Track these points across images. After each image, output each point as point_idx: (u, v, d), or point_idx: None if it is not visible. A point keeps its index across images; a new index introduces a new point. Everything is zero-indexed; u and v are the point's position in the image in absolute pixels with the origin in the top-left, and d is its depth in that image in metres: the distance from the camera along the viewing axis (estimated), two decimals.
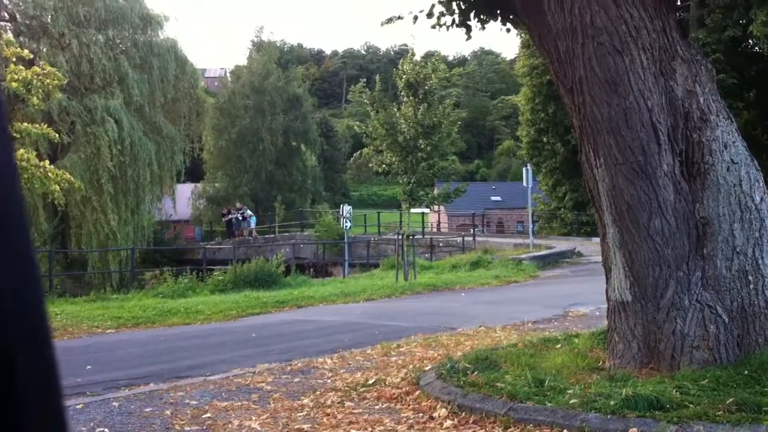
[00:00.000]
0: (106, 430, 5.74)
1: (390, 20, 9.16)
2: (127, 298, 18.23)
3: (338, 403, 6.13)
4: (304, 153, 59.43)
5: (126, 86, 34.25)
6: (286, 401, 6.31)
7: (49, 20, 33.12)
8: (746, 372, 5.23)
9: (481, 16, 7.75)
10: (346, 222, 26.35)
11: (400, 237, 20.34)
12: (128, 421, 5.99)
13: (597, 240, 6.67)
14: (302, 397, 6.43)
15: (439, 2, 7.84)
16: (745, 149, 5.97)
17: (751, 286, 5.68)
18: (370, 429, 5.37)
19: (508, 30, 8.05)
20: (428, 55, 21.84)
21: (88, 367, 8.76)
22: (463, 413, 5.39)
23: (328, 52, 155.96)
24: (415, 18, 8.21)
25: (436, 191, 22.72)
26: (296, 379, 7.27)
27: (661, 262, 5.73)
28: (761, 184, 5.94)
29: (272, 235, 40.98)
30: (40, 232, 32.71)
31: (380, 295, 16.93)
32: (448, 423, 5.31)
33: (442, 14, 7.87)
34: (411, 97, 19.94)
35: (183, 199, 47.24)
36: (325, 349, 9.25)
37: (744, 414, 4.50)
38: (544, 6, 6.12)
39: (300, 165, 58.11)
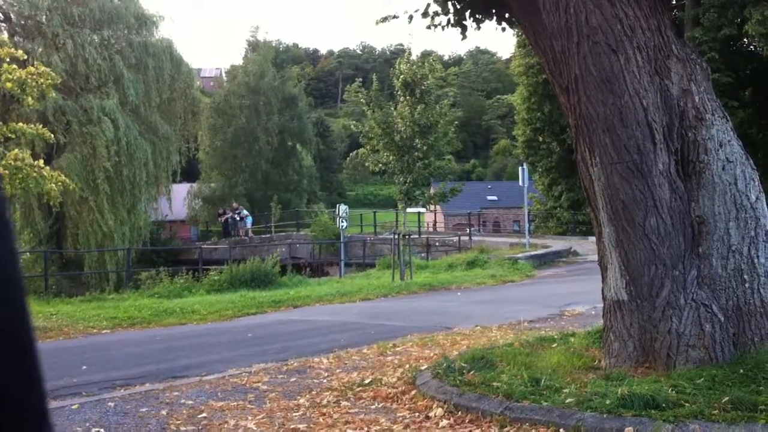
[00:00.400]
0: (102, 430, 5.72)
1: (385, 19, 9.16)
2: (123, 298, 18.20)
3: (334, 402, 6.13)
4: (300, 153, 59.44)
5: (121, 86, 34.19)
6: (282, 401, 6.31)
7: (43, 20, 33.07)
8: (742, 371, 5.23)
9: (477, 16, 7.76)
10: (342, 222, 26.34)
11: (396, 236, 20.34)
12: (124, 421, 5.98)
13: (593, 239, 6.67)
14: (298, 397, 6.42)
15: (435, 1, 7.83)
16: (740, 148, 5.98)
17: (747, 285, 5.68)
18: (366, 429, 5.36)
19: (504, 29, 8.05)
20: (425, 55, 21.84)
21: (84, 367, 8.74)
22: (459, 413, 5.39)
23: (323, 51, 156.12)
24: (411, 17, 8.21)
25: (432, 191, 22.74)
26: (292, 379, 7.26)
27: (657, 261, 5.73)
28: (756, 182, 5.94)
29: (268, 235, 40.96)
30: (36, 232, 32.69)
31: (376, 294, 16.93)
32: (444, 422, 5.31)
33: (437, 13, 7.87)
34: (408, 97, 19.95)
35: (179, 199, 47.17)
36: (321, 349, 9.25)
37: (739, 413, 4.50)
38: (539, 5, 6.12)
39: (296, 165, 58.10)
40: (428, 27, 7.99)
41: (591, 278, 11.94)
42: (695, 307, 5.61)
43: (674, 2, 7.10)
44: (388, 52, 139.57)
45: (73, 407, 6.45)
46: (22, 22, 34.27)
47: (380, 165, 20.80)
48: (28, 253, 26.69)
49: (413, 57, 20.60)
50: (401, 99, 20.24)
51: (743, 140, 6.31)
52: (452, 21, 7.88)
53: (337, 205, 27.59)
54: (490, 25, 7.87)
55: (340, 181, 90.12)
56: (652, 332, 5.75)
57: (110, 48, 35.30)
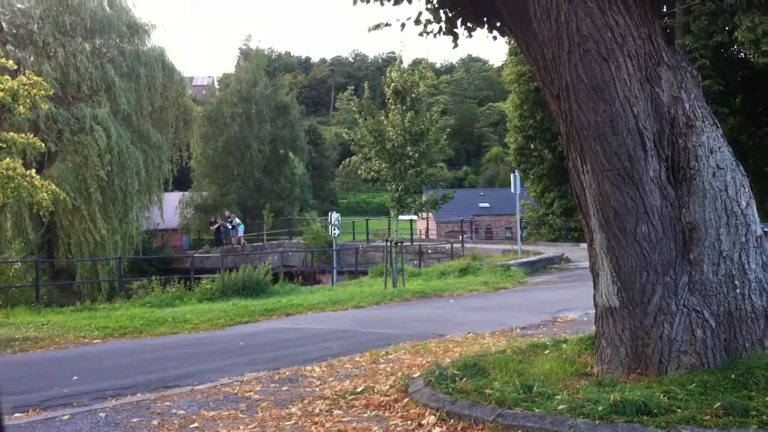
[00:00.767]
0: None
1: (377, 26, 9.16)
2: (115, 308, 18.14)
3: (326, 411, 6.11)
4: (292, 161, 59.43)
5: (113, 95, 34.17)
6: (274, 410, 6.29)
7: (35, 29, 33.04)
8: (733, 376, 5.24)
9: (468, 24, 7.77)
10: (334, 229, 26.35)
11: (388, 244, 20.33)
12: (115, 431, 5.95)
13: (585, 245, 6.68)
14: (290, 406, 6.40)
15: (427, 9, 7.85)
16: (730, 155, 6.00)
17: (738, 291, 5.70)
18: None
19: (495, 38, 8.07)
20: (416, 63, 21.88)
21: (75, 377, 8.70)
22: (452, 420, 5.37)
23: (315, 59, 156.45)
24: (403, 25, 8.22)
25: (424, 198, 22.75)
26: (284, 388, 7.24)
27: (648, 267, 5.74)
28: (747, 189, 5.96)
29: (260, 243, 40.94)
30: (27, 241, 32.56)
31: (369, 302, 16.91)
32: (437, 430, 5.30)
33: (429, 21, 7.89)
34: (398, 105, 19.99)
35: (170, 208, 47.14)
36: (313, 357, 9.23)
37: (731, 418, 4.50)
38: (530, 14, 6.14)
39: (288, 173, 58.09)
40: (420, 34, 8.01)
41: (583, 285, 11.97)
42: (687, 313, 5.62)
43: (665, 10, 7.12)
44: (380, 60, 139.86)
45: (63, 418, 6.42)
46: (14, 31, 34.23)
47: (372, 173, 20.82)
48: (19, 263, 26.55)
49: (404, 65, 20.64)
50: (392, 107, 20.27)
51: (734, 147, 6.33)
52: (444, 29, 7.89)
53: (330, 213, 27.61)
54: (481, 33, 7.89)
55: (332, 189, 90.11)
56: (643, 338, 5.75)
57: (102, 56, 35.30)
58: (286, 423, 5.83)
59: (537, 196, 41.40)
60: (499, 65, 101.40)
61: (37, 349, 11.93)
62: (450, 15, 7.76)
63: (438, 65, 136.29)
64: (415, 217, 32.02)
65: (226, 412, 6.27)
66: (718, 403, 4.68)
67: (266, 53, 72.76)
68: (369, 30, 9.33)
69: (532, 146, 39.41)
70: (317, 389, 7.07)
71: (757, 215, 5.98)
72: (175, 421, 6.08)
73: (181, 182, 51.17)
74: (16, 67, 16.60)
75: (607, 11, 5.77)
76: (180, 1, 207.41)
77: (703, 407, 4.69)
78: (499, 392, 5.48)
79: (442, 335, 10.68)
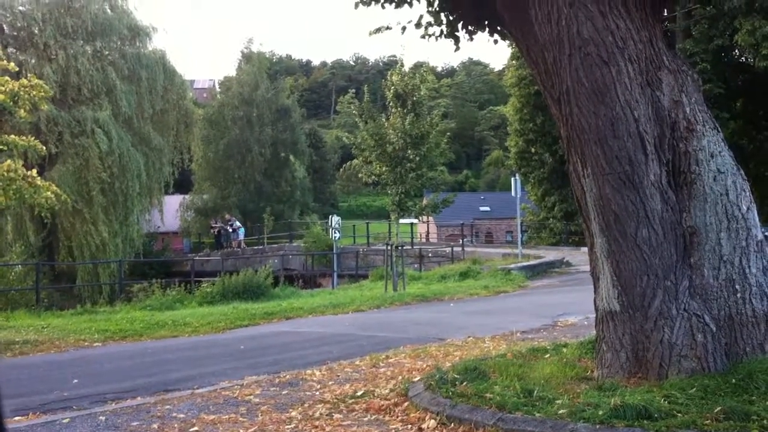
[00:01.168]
0: None
1: (378, 30, 9.14)
2: (115, 311, 18.13)
3: (327, 415, 6.10)
4: (292, 164, 59.40)
5: (114, 97, 34.20)
6: (274, 414, 6.28)
7: (36, 31, 33.06)
8: (734, 380, 5.23)
9: (469, 27, 7.77)
10: (335, 233, 26.34)
11: (389, 248, 20.32)
12: None
13: (586, 249, 6.68)
14: (290, 410, 6.39)
15: (428, 12, 7.85)
16: (731, 159, 5.99)
17: (738, 295, 5.69)
18: None
19: (496, 41, 8.07)
20: (417, 66, 21.87)
21: (75, 380, 8.69)
22: (452, 424, 5.37)
23: (316, 62, 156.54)
24: (404, 28, 8.21)
25: (424, 201, 22.73)
26: (284, 392, 7.23)
27: (649, 271, 5.74)
28: (748, 193, 5.96)
29: (261, 247, 40.92)
30: (28, 244, 32.58)
31: (369, 306, 16.90)
32: None
33: (429, 24, 7.89)
34: (399, 108, 19.98)
35: (171, 211, 47.15)
36: (313, 361, 9.22)
37: (732, 422, 4.50)
38: (531, 17, 6.14)
39: (289, 176, 58.05)
40: (422, 37, 8.01)
41: (583, 288, 11.97)
42: (687, 318, 5.61)
43: (665, 14, 7.13)
44: (381, 64, 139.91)
45: (63, 421, 6.41)
46: (15, 34, 34.26)
47: (373, 176, 20.80)
48: (19, 266, 26.56)
49: (405, 68, 20.64)
50: (393, 110, 20.26)
51: (734, 151, 6.33)
52: (445, 32, 7.89)
53: (330, 217, 27.59)
54: (482, 36, 7.90)
55: (332, 193, 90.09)
56: (644, 342, 5.75)
57: (103, 59, 35.34)
58: (286, 427, 5.82)
59: (538, 199, 41.41)
60: (500, 69, 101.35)
61: (37, 352, 11.92)
62: (451, 18, 7.76)
63: (439, 69, 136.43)
64: (415, 221, 31.98)
65: (226, 416, 6.26)
66: (719, 408, 4.67)
67: (267, 56, 72.76)
68: (370, 33, 9.30)
69: (533, 150, 39.43)
70: (317, 393, 7.06)
71: (757, 219, 5.98)
72: (176, 425, 6.07)
73: (182, 185, 51.17)
74: (17, 69, 16.62)
75: (607, 15, 5.77)
76: (181, 4, 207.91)
77: (704, 412, 4.68)
78: (500, 396, 5.48)
79: (443, 339, 10.67)
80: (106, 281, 31.83)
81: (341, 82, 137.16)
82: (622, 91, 5.77)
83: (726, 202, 5.82)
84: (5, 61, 16.09)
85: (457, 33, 7.83)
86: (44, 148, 16.72)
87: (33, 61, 33.34)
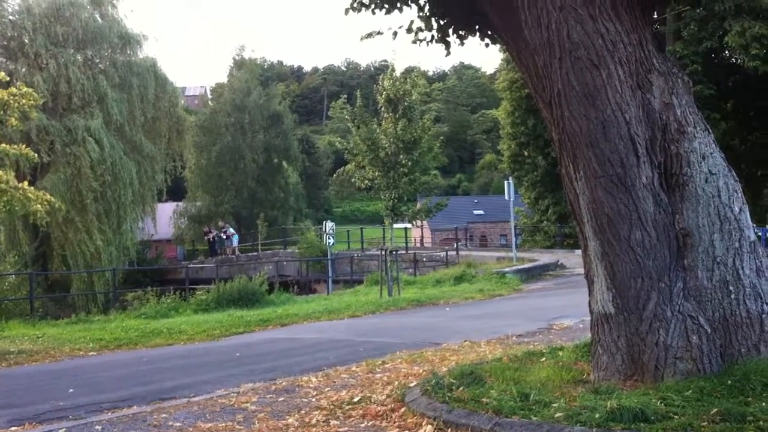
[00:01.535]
0: None
1: (370, 35, 9.17)
2: (110, 320, 18.09)
3: (323, 421, 6.10)
4: (285, 170, 59.43)
5: (105, 106, 34.15)
6: (271, 421, 6.27)
7: (26, 41, 33.01)
8: (729, 382, 5.24)
9: (460, 32, 7.78)
10: (329, 238, 26.35)
11: (383, 253, 20.34)
12: None
13: (580, 252, 6.69)
14: (287, 417, 6.38)
15: (419, 17, 7.86)
16: (723, 160, 6.02)
17: (733, 296, 5.70)
18: None
19: (487, 45, 8.09)
20: (408, 71, 21.91)
21: (71, 390, 8.67)
22: (449, 429, 5.36)
23: (308, 68, 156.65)
24: (395, 33, 8.22)
25: (418, 206, 22.77)
26: (281, 399, 7.22)
27: (643, 273, 5.75)
28: (740, 194, 5.98)
29: (255, 253, 40.88)
30: (21, 254, 32.47)
31: (364, 311, 16.90)
32: None
33: (420, 29, 7.90)
34: (391, 113, 20.02)
35: (164, 219, 47.08)
36: (309, 368, 9.21)
37: (728, 424, 4.50)
38: (521, 21, 6.16)
39: (282, 182, 58.08)
40: (413, 42, 8.02)
41: (578, 291, 11.98)
42: (682, 319, 5.63)
43: (655, 17, 7.16)
44: (372, 68, 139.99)
45: (60, 431, 6.39)
46: (5, 43, 34.21)
47: (366, 181, 20.85)
48: (13, 276, 26.47)
49: (396, 73, 20.69)
50: (385, 115, 20.30)
51: (726, 152, 6.35)
52: (436, 37, 7.90)
53: (324, 222, 27.61)
54: (473, 40, 7.91)
55: (326, 198, 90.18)
56: (639, 345, 5.75)
57: (94, 67, 35.31)
58: None
59: (531, 202, 41.44)
60: (492, 72, 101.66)
61: (32, 362, 11.89)
62: (442, 23, 7.77)
63: (430, 73, 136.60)
64: (409, 225, 32.05)
65: (223, 424, 6.25)
66: (715, 410, 4.68)
67: (258, 63, 72.76)
68: (361, 39, 9.36)
69: (526, 153, 39.47)
70: (314, 400, 7.05)
71: (750, 220, 6.00)
72: None
73: (175, 193, 51.11)
74: (8, 79, 16.57)
75: (597, 18, 5.79)
76: (171, 11, 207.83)
77: (700, 413, 4.69)
78: (496, 401, 5.47)
79: (438, 344, 10.67)
80: (100, 290, 31.76)
81: (333, 87, 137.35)
82: (613, 94, 5.79)
83: (718, 204, 5.84)
84: None
85: (448, 38, 7.84)
86: (36, 156, 16.66)
87: (23, 70, 33.28)
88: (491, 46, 8.27)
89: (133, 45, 37.29)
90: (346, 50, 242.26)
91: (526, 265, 25.13)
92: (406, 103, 19.95)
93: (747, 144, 30.95)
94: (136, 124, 36.55)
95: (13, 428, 6.75)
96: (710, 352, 5.59)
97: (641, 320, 5.74)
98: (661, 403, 4.94)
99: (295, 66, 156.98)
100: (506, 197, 27.65)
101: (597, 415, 4.81)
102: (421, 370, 8.10)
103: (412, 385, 6.91)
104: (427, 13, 7.77)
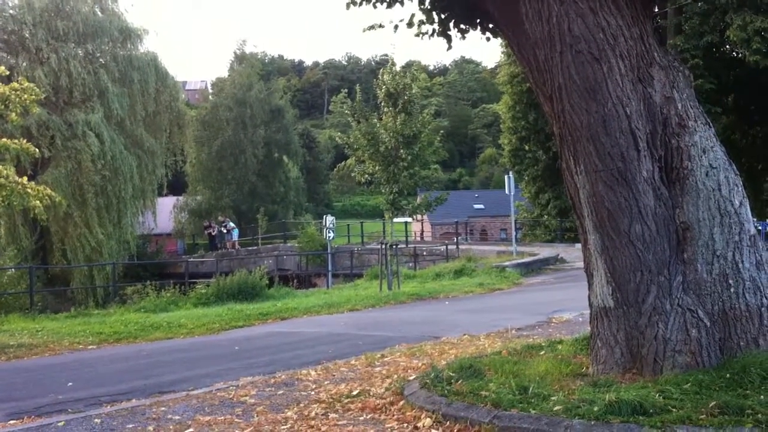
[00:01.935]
0: None
1: (372, 27, 9.19)
2: (109, 314, 18.10)
3: (322, 415, 6.10)
4: (286, 164, 59.44)
5: (106, 100, 34.13)
6: (270, 414, 6.27)
7: (27, 35, 32.97)
8: (728, 375, 5.24)
9: (461, 26, 7.78)
10: (329, 232, 26.34)
11: (383, 247, 20.34)
12: None
13: (580, 246, 6.69)
14: (286, 410, 6.39)
15: (420, 10, 7.86)
16: (723, 154, 6.01)
17: (732, 290, 5.70)
18: None
19: (488, 39, 8.07)
20: (408, 65, 21.90)
21: (70, 383, 8.67)
22: (448, 422, 5.37)
23: (309, 63, 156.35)
24: (396, 27, 8.23)
25: (418, 200, 22.75)
26: (280, 392, 7.22)
27: (643, 267, 5.75)
28: (740, 188, 5.97)
29: (255, 247, 40.91)
30: (21, 248, 32.47)
31: (364, 305, 16.90)
32: None
33: (422, 22, 7.89)
34: (391, 107, 20.00)
35: (165, 213, 47.09)
36: (309, 361, 9.22)
37: (727, 417, 4.50)
38: (521, 15, 6.14)
39: (282, 176, 58.09)
40: (416, 35, 8.03)
41: (578, 285, 11.98)
42: (681, 313, 5.63)
43: (656, 10, 7.14)
44: (373, 63, 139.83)
45: (59, 424, 6.39)
46: (5, 38, 34.17)
47: (366, 175, 20.83)
48: (13, 270, 26.48)
49: (397, 67, 20.67)
50: (385, 109, 20.28)
51: (726, 146, 6.34)
52: (437, 31, 7.90)
53: (324, 216, 27.61)
54: (474, 34, 7.90)
55: (326, 192, 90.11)
56: (638, 338, 5.76)
57: (95, 62, 35.28)
58: (282, 427, 5.81)
59: (532, 197, 41.39)
60: (492, 67, 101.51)
61: (31, 356, 11.90)
62: (443, 17, 7.76)
63: (431, 67, 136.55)
64: (409, 220, 32.01)
65: (222, 417, 6.25)
66: (714, 402, 4.68)
67: (259, 57, 72.72)
68: (364, 30, 9.38)
69: (526, 147, 39.39)
70: (313, 393, 7.05)
71: (750, 214, 6.00)
72: (171, 427, 6.06)
73: (175, 187, 51.12)
74: (8, 73, 16.54)
75: (598, 12, 5.78)
76: (172, 5, 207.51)
77: (699, 406, 4.69)
78: (495, 394, 5.48)
79: (438, 337, 10.67)
80: (100, 284, 31.78)
81: (334, 81, 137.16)
82: (614, 88, 5.78)
83: (719, 197, 5.84)
84: None
85: (449, 32, 7.83)
86: (37, 151, 16.63)
87: (24, 64, 33.27)
88: (492, 40, 8.27)
89: (133, 39, 37.27)
90: (347, 45, 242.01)
91: (526, 259, 25.13)
92: (405, 97, 19.92)
93: (748, 138, 30.91)
94: (137, 118, 36.54)
95: (12, 421, 6.76)
96: (709, 346, 5.60)
97: (640, 314, 5.74)
98: (659, 396, 4.95)
99: (296, 60, 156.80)
100: (507, 191, 27.64)
101: (596, 408, 4.81)
102: (420, 364, 8.11)
103: (411, 378, 6.91)
104: (428, 7, 7.77)
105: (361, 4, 8.07)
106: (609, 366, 5.91)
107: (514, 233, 31.13)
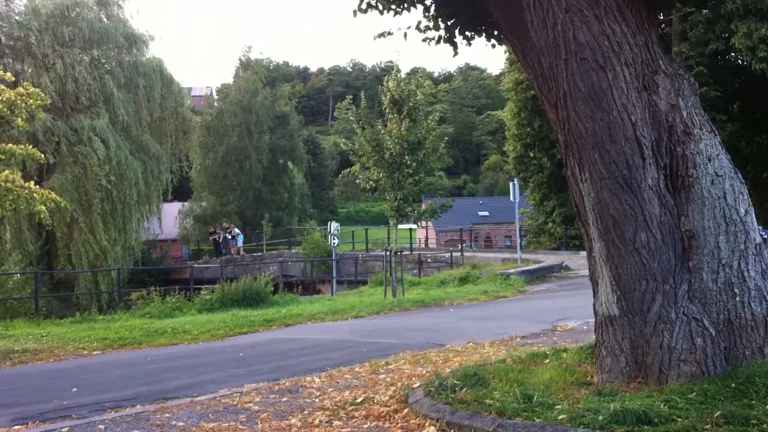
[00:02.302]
0: None
1: (382, 35, 9.28)
2: (114, 319, 18.11)
3: (326, 422, 6.09)
4: (291, 171, 59.49)
5: (112, 106, 34.20)
6: (274, 421, 6.26)
7: (33, 41, 33.05)
8: (733, 385, 5.22)
9: (467, 33, 7.81)
10: (333, 239, 26.34)
11: (388, 253, 20.31)
12: None
13: (585, 254, 6.67)
14: (290, 417, 6.38)
15: (425, 17, 7.90)
16: (728, 162, 6.00)
17: (737, 299, 5.68)
18: None
19: (493, 46, 8.10)
20: (413, 72, 21.91)
21: (74, 389, 8.68)
22: (452, 430, 5.35)
23: (314, 69, 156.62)
24: (405, 34, 8.26)
25: (423, 207, 22.73)
26: (284, 399, 7.22)
27: (648, 275, 5.73)
28: (745, 196, 5.96)
29: (260, 254, 40.91)
30: (26, 253, 32.51)
31: (369, 312, 16.89)
32: None
33: (428, 28, 7.94)
34: (396, 114, 20.01)
35: (170, 218, 47.11)
36: (313, 368, 9.20)
37: (731, 427, 4.48)
38: (527, 22, 6.15)
39: (287, 183, 58.13)
40: (423, 41, 8.08)
41: (583, 293, 11.96)
42: (686, 322, 5.61)
43: (661, 18, 7.14)
44: (378, 69, 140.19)
45: (63, 430, 6.39)
46: (12, 44, 34.26)
47: (371, 182, 20.81)
48: (18, 275, 26.52)
49: (402, 74, 20.67)
50: (390, 116, 20.28)
51: (732, 154, 6.33)
52: (443, 37, 7.94)
53: (329, 223, 27.61)
54: (480, 41, 7.93)
55: (331, 199, 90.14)
56: (643, 347, 5.74)
57: (100, 68, 35.34)
58: None
59: (536, 204, 41.30)
60: (497, 74, 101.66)
61: (36, 361, 11.91)
62: (448, 24, 7.79)
63: (436, 74, 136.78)
64: (414, 226, 31.97)
65: (226, 424, 6.25)
66: (719, 412, 4.66)
67: (264, 63, 72.85)
68: (374, 38, 9.49)
69: (531, 154, 39.34)
70: (317, 400, 7.04)
71: (756, 222, 5.98)
72: None
73: (181, 192, 51.16)
74: (14, 79, 16.60)
75: (603, 20, 5.78)
76: (177, 12, 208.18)
77: (704, 416, 4.67)
78: (500, 402, 5.46)
79: (442, 345, 10.65)
80: (105, 289, 31.80)
81: (339, 88, 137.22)
82: (619, 96, 5.77)
83: (724, 206, 5.82)
84: (2, 71, 16.09)
85: (455, 39, 7.87)
86: (42, 156, 16.68)
87: (30, 70, 33.37)
88: (497, 47, 8.30)
89: (139, 45, 37.36)
90: (352, 51, 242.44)
91: (531, 267, 25.08)
92: (410, 104, 19.92)
93: (753, 146, 30.80)
94: (142, 124, 36.62)
95: (16, 427, 6.76)
96: (714, 355, 5.57)
97: (645, 322, 5.73)
98: (664, 405, 4.93)
99: (301, 67, 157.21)
100: (511, 198, 27.62)
101: (600, 417, 4.79)
102: (424, 371, 8.09)
103: (415, 386, 6.90)
104: (434, 14, 7.80)
105: (366, 11, 8.10)
106: (614, 375, 5.89)
107: (518, 240, 31.08)
